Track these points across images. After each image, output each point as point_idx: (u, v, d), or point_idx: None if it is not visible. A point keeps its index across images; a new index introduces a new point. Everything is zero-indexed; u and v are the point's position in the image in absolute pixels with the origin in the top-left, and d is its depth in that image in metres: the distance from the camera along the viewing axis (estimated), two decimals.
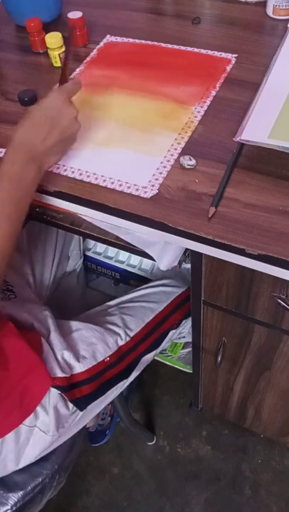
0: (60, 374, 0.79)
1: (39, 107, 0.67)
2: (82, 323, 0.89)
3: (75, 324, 0.88)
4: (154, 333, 0.95)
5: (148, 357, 0.94)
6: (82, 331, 0.87)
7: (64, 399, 0.79)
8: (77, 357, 0.83)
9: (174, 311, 0.99)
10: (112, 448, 1.33)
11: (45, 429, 0.77)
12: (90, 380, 0.82)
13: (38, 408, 0.76)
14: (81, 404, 0.81)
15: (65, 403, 0.79)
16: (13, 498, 0.80)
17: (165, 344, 0.99)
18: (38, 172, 0.65)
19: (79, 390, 0.81)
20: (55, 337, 0.83)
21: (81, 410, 0.81)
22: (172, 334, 1.00)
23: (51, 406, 0.77)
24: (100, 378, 0.84)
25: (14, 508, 0.80)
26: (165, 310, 0.97)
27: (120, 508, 1.24)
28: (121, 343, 0.89)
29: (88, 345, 0.85)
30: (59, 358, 0.81)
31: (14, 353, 0.75)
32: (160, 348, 0.98)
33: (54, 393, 0.77)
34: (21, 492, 0.81)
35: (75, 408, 0.80)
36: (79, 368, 0.82)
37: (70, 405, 0.80)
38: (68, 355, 0.82)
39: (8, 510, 0.79)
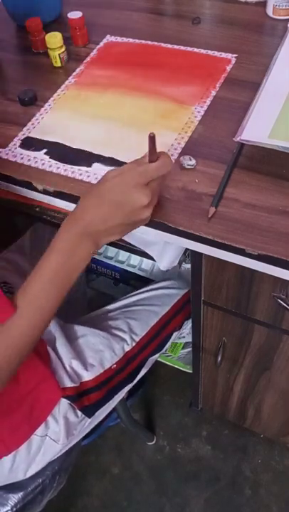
0: (69, 384, 0.79)
1: (110, 183, 0.59)
2: (87, 328, 0.88)
3: (80, 329, 0.88)
4: (158, 336, 0.95)
5: (152, 359, 0.95)
6: (88, 336, 0.86)
7: (73, 407, 0.79)
8: (85, 365, 0.82)
9: (177, 313, 0.99)
10: (112, 448, 1.33)
11: (55, 437, 0.77)
12: (98, 388, 0.83)
13: (49, 418, 0.76)
14: (89, 411, 0.82)
15: (74, 411, 0.79)
16: (14, 498, 0.80)
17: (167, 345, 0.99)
18: (92, 248, 0.60)
19: (87, 398, 0.81)
20: (62, 345, 0.82)
21: (89, 417, 0.82)
22: (175, 336, 1.00)
23: (61, 415, 0.77)
24: (108, 385, 0.84)
25: (14, 509, 0.79)
26: (168, 313, 0.97)
27: (120, 508, 1.24)
28: (127, 348, 0.88)
29: (95, 353, 0.85)
30: (67, 367, 0.81)
31: (23, 364, 0.75)
32: (164, 350, 0.98)
33: (64, 403, 0.78)
34: (21, 493, 0.81)
35: (83, 415, 0.81)
36: (87, 376, 0.82)
37: (79, 413, 0.80)
38: (76, 364, 0.81)
39: (8, 510, 0.79)
